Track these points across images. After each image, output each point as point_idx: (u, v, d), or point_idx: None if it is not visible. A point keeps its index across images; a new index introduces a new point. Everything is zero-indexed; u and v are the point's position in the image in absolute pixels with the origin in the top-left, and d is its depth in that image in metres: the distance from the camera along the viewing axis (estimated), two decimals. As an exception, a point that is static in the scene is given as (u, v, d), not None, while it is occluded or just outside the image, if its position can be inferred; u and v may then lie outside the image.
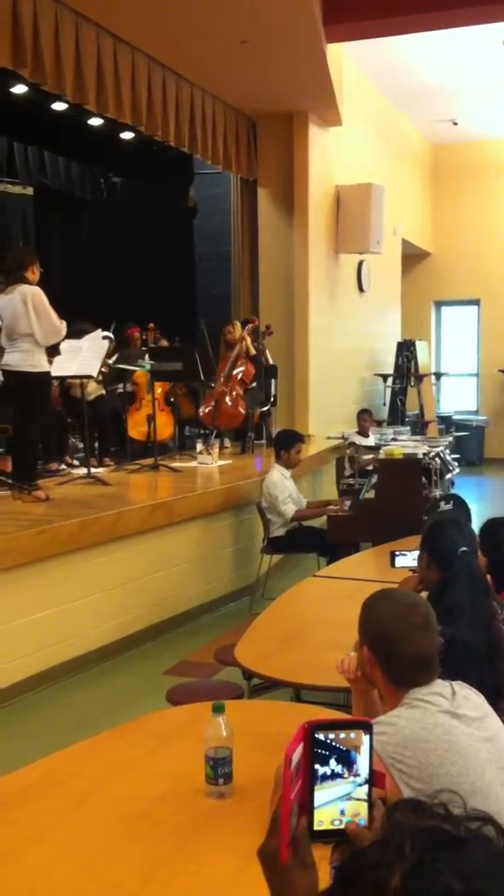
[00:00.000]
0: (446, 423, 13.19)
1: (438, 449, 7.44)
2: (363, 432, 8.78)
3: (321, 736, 1.11)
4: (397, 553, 3.57)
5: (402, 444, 7.49)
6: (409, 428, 10.28)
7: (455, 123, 12.67)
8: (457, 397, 14.64)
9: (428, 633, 2.12)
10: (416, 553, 3.26)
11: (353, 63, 9.89)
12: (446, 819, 0.81)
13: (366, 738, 1.13)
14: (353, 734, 1.13)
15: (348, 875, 0.80)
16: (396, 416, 11.70)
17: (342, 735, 1.12)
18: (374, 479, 6.67)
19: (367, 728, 1.14)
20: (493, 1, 7.14)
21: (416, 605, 2.19)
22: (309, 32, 7.12)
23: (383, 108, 11.60)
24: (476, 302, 14.27)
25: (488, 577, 3.18)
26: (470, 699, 2.07)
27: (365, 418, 9.01)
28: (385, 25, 7.84)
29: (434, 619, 2.17)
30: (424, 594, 2.95)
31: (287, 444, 6.49)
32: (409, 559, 3.46)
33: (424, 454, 6.86)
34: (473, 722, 2.02)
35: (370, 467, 7.04)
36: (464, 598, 2.83)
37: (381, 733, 1.96)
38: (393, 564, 3.56)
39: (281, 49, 7.38)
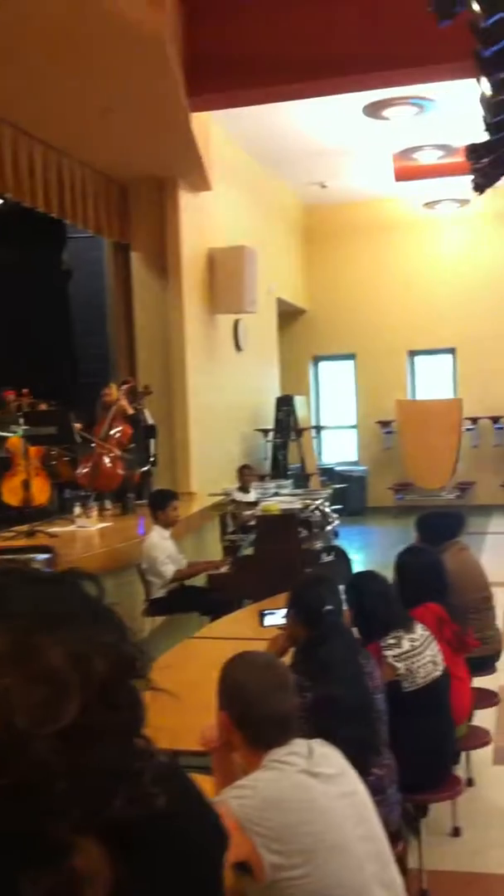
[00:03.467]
0: (329, 474, 13.43)
1: (318, 502, 7.56)
2: (245, 487, 8.83)
3: None
4: (266, 612, 3.61)
5: (281, 499, 7.59)
6: (291, 481, 10.43)
7: (323, 186, 13.12)
8: (339, 449, 14.95)
9: (284, 692, 2.15)
10: (285, 611, 3.30)
11: (222, 128, 10.13)
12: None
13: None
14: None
15: None
16: (279, 469, 11.85)
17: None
18: (254, 535, 6.73)
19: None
20: (354, 72, 7.47)
21: (272, 666, 2.23)
22: (172, 103, 7.28)
23: (254, 171, 11.91)
24: (352, 356, 14.67)
25: (355, 630, 3.25)
26: (327, 756, 2.10)
27: (246, 473, 9.06)
28: (249, 96, 8.09)
29: (291, 680, 2.21)
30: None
31: (161, 504, 6.46)
32: (277, 617, 3.50)
33: (303, 507, 6.97)
34: (331, 779, 2.05)
35: (251, 523, 7.10)
36: (333, 655, 2.89)
37: (241, 797, 1.97)
38: (262, 623, 3.59)
39: (145, 118, 7.52)
